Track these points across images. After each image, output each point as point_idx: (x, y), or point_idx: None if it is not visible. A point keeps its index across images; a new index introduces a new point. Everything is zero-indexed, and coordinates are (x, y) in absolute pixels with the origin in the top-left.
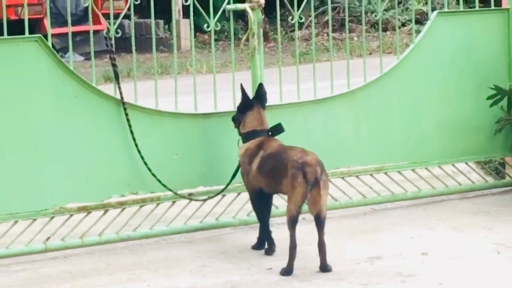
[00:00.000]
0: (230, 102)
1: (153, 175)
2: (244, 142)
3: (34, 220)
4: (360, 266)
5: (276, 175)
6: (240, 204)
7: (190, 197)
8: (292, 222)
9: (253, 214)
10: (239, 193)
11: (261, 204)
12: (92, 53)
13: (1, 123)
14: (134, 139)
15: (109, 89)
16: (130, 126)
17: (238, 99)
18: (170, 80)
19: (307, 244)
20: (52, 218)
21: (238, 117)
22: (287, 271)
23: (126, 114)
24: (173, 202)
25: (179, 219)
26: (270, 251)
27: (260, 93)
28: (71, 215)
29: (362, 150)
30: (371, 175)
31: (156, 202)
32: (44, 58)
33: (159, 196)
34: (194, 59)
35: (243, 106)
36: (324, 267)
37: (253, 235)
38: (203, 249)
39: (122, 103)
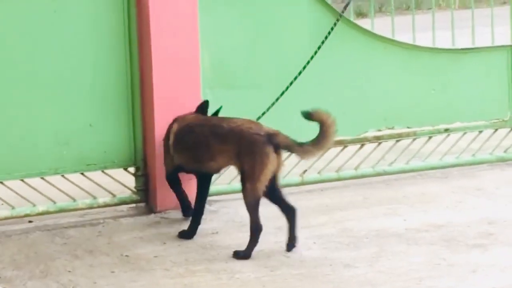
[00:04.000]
0: (487, 38)
1: None
2: None
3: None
4: None
5: (204, 150)
6: (497, 141)
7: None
8: (258, 203)
9: (510, 150)
10: (496, 130)
11: (197, 185)
12: None
13: (261, 58)
14: (318, 49)
15: (361, 23)
16: (324, 40)
17: (497, 35)
18: (422, 15)
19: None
20: None
21: None
22: (246, 254)
23: (329, 33)
24: (429, 138)
25: (435, 155)
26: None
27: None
28: (328, 149)
29: None
30: None
31: (412, 137)
32: None
33: (415, 131)
34: None
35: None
36: (292, 243)
37: (510, 172)
38: (459, 185)
39: (337, 19)
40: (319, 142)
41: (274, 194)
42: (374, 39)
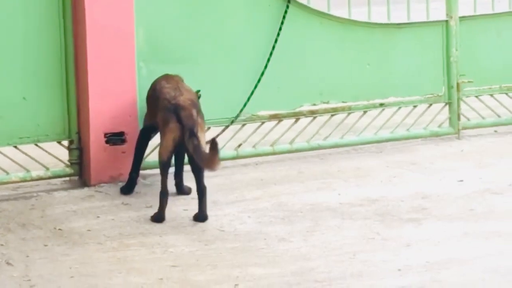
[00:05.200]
0: (422, 13)
1: None
2: None
3: (226, 127)
4: None
5: (151, 106)
6: (431, 116)
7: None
8: (163, 168)
9: (444, 125)
10: (430, 104)
11: (139, 140)
12: None
13: (197, 33)
14: (277, 37)
15: None
16: (282, 25)
17: (432, 10)
18: None
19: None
20: (243, 125)
21: None
22: (157, 218)
23: (284, 17)
24: (364, 112)
25: (369, 129)
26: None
27: None
28: (263, 123)
29: None
30: None
31: (347, 111)
32: None
33: (350, 106)
34: None
35: None
36: (202, 216)
37: (444, 147)
38: (394, 160)
39: (287, 4)
40: (206, 156)
41: (192, 165)
42: (310, 13)
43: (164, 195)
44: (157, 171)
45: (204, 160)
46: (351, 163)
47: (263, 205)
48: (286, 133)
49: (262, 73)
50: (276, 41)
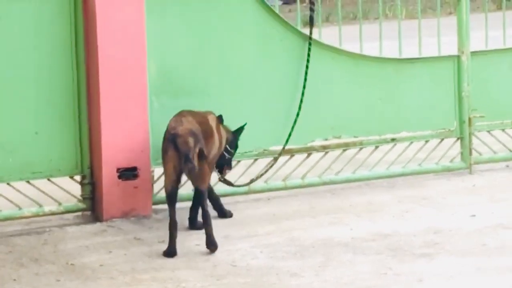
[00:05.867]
0: (433, 48)
1: None
2: None
3: (238, 162)
4: None
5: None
6: (442, 151)
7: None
8: (168, 198)
9: (456, 160)
10: (442, 139)
11: None
12: None
13: (208, 67)
14: (305, 76)
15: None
16: (308, 63)
17: (443, 45)
18: (369, 25)
19: None
20: (255, 160)
21: None
22: (168, 252)
23: (308, 55)
24: (376, 147)
25: (381, 164)
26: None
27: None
28: (275, 158)
29: None
30: None
31: (359, 146)
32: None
33: (362, 141)
34: (399, 4)
35: None
36: (212, 243)
37: (456, 182)
38: (406, 195)
39: (309, 42)
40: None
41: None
42: (322, 48)
43: (172, 227)
44: None
45: (194, 178)
46: (363, 198)
47: (275, 240)
48: (298, 168)
49: (276, 108)
50: (288, 76)
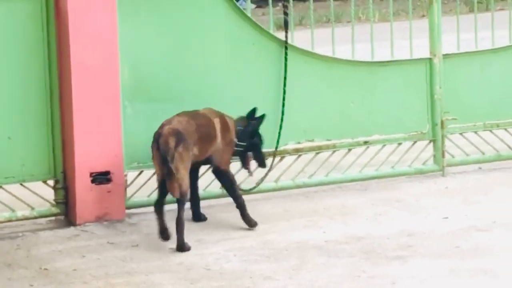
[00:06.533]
0: (406, 51)
1: None
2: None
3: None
4: None
5: None
6: (416, 153)
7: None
8: (158, 191)
9: (429, 162)
10: (415, 142)
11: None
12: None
13: (181, 72)
14: (284, 80)
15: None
16: (286, 67)
17: (415, 47)
18: (342, 28)
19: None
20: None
21: None
22: (161, 235)
23: (286, 59)
24: (349, 150)
25: (354, 167)
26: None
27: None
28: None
29: None
30: None
31: (332, 149)
32: (221, 4)
33: (335, 144)
34: (371, 7)
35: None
36: (181, 246)
37: (429, 184)
38: (379, 197)
39: (285, 47)
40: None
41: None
42: (294, 52)
43: (158, 211)
44: (142, 210)
45: (168, 186)
46: (337, 201)
47: (249, 244)
48: (271, 171)
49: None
50: (260, 79)
